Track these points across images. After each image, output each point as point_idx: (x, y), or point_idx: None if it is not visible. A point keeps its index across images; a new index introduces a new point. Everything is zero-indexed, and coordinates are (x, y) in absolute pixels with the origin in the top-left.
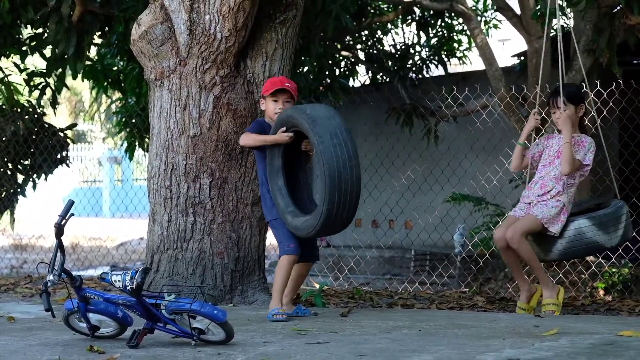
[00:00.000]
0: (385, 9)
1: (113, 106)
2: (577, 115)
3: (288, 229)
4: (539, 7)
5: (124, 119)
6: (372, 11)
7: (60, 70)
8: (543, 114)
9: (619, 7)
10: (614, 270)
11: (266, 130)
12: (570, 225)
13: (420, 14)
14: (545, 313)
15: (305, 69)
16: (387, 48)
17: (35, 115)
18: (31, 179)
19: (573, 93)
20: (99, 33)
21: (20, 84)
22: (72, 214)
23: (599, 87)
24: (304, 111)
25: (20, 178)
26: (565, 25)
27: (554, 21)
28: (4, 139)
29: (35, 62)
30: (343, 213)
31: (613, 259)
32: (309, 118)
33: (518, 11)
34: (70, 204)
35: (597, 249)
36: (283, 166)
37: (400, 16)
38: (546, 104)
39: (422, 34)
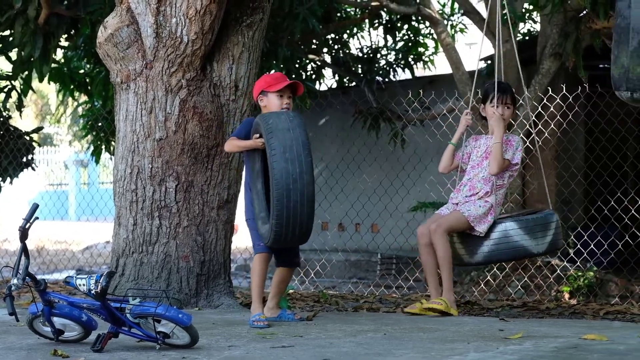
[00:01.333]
0: (352, 12)
1: (79, 109)
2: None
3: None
4: (505, 11)
5: (90, 122)
6: (339, 15)
7: (26, 73)
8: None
9: (584, 12)
10: (579, 274)
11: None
12: (497, 227)
13: (387, 18)
14: (432, 302)
15: (272, 72)
16: (354, 52)
17: (1, 119)
18: None
19: (514, 93)
20: (66, 36)
21: None
22: (37, 218)
23: (564, 91)
24: (266, 120)
25: None
26: (531, 29)
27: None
28: None
29: (1, 65)
30: (295, 230)
31: (578, 263)
32: (268, 128)
33: (485, 15)
34: (35, 207)
35: (523, 253)
36: (263, 170)
37: (367, 20)
38: (485, 98)
39: (389, 37)
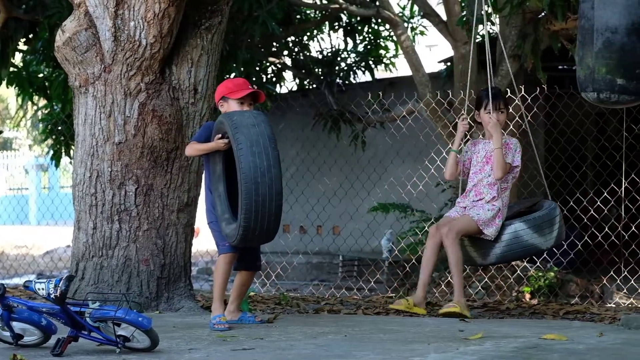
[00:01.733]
0: (312, 15)
1: (39, 113)
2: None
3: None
4: (464, 13)
5: (49, 126)
6: (298, 17)
7: None
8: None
9: (543, 14)
10: (539, 274)
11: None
12: (507, 229)
13: (347, 20)
14: (447, 305)
15: (232, 75)
16: (314, 54)
17: None
18: None
19: (506, 98)
20: (24, 39)
21: None
22: None
23: (523, 93)
24: (230, 117)
25: None
26: (491, 31)
27: (480, 27)
28: None
29: None
30: (263, 225)
31: (538, 263)
32: (233, 124)
33: (444, 17)
34: None
35: (534, 251)
36: (224, 172)
37: (327, 22)
38: (479, 104)
39: (349, 40)
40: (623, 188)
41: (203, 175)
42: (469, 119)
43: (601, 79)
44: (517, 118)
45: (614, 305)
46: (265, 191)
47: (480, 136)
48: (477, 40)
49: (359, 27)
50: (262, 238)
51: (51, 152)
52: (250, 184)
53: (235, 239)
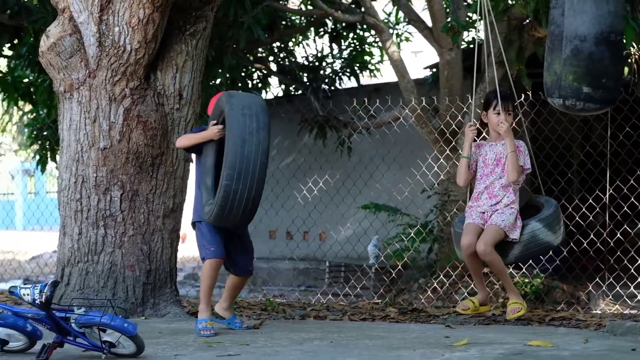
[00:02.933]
0: (298, 21)
1: (25, 118)
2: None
3: (210, 233)
4: (449, 19)
5: (35, 132)
6: (284, 23)
7: None
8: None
9: (527, 20)
10: (526, 280)
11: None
12: (525, 229)
13: (333, 26)
14: (512, 310)
15: (218, 81)
16: (299, 60)
17: None
18: None
19: (515, 99)
20: (9, 45)
21: None
22: None
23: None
24: (229, 92)
25: None
26: (476, 38)
27: (465, 33)
28: None
29: None
30: (245, 187)
31: (524, 270)
32: (228, 93)
33: (430, 24)
34: None
35: (549, 248)
36: (214, 167)
37: (312, 28)
38: (487, 105)
39: (334, 46)
40: (607, 195)
41: (192, 177)
42: (477, 125)
43: (568, 86)
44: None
45: (599, 312)
46: (252, 150)
47: (486, 137)
48: (462, 47)
49: (345, 33)
50: (241, 207)
51: (37, 157)
52: (237, 141)
53: (214, 207)
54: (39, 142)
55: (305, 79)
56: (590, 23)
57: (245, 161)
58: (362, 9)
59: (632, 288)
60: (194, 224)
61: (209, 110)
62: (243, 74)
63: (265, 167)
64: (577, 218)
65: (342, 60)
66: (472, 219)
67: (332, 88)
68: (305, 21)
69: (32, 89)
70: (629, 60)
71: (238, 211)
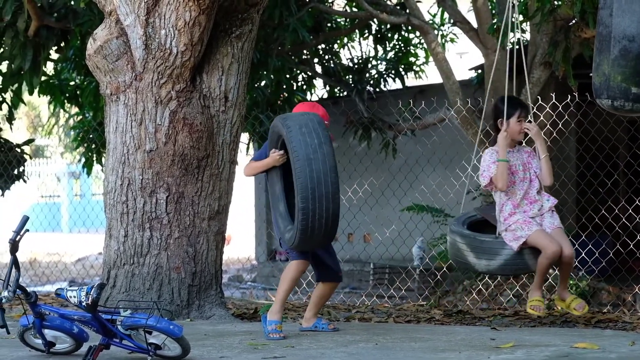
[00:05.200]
0: (343, 23)
1: (71, 121)
2: None
3: None
4: (495, 20)
5: (81, 134)
6: (329, 25)
7: (16, 85)
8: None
9: (574, 21)
10: (571, 282)
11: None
12: None
13: (377, 28)
14: (580, 306)
15: (263, 82)
16: (344, 62)
17: None
18: None
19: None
20: (56, 48)
21: None
22: (27, 230)
23: (554, 100)
24: (281, 115)
25: None
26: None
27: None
28: None
29: None
30: (321, 206)
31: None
32: (282, 117)
33: (475, 25)
34: (25, 219)
35: None
36: (283, 190)
37: (357, 30)
38: (508, 114)
39: (379, 47)
40: None
41: (237, 182)
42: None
43: (616, 87)
44: (547, 126)
45: None
46: (319, 167)
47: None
48: (508, 48)
49: (389, 35)
50: (322, 227)
51: (83, 159)
52: (303, 161)
53: (296, 231)
54: (85, 144)
55: (350, 81)
56: (638, 23)
57: (316, 180)
58: (407, 11)
59: None
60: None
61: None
62: (288, 76)
63: (336, 182)
64: (623, 219)
65: (387, 61)
66: (535, 226)
67: (377, 90)
68: (350, 23)
69: (78, 92)
70: None
71: (320, 231)
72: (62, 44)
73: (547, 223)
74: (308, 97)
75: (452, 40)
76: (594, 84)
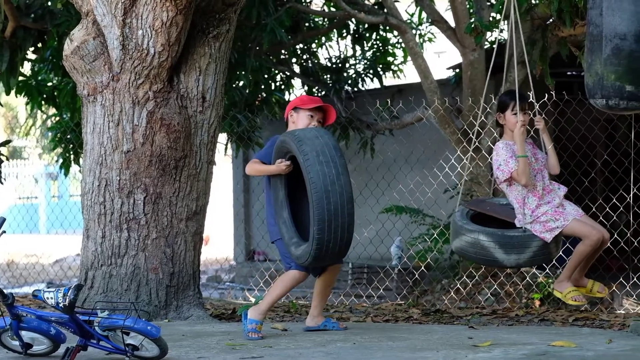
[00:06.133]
0: (320, 22)
1: (48, 122)
2: None
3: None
4: (472, 20)
5: (58, 135)
6: (307, 25)
7: None
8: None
9: (551, 20)
10: (549, 280)
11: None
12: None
13: (355, 28)
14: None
15: (241, 83)
16: (322, 62)
17: None
18: None
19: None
20: (33, 48)
21: None
22: (4, 231)
23: (532, 99)
24: (293, 133)
25: None
26: (499, 38)
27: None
28: None
29: None
30: (337, 236)
31: (547, 270)
32: (296, 138)
33: (453, 24)
34: (2, 221)
35: None
36: (287, 196)
37: (335, 30)
38: (504, 106)
39: (357, 47)
40: (631, 194)
41: (215, 182)
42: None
43: (610, 86)
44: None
45: (623, 312)
46: (337, 199)
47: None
48: (486, 47)
49: (367, 34)
50: (335, 252)
51: (60, 160)
52: (321, 193)
53: (309, 256)
54: (63, 145)
55: (328, 81)
56: (629, 21)
57: (333, 212)
58: (385, 10)
59: None
60: (273, 242)
61: (287, 111)
62: (266, 76)
63: (352, 212)
64: (600, 217)
65: (365, 61)
66: (569, 215)
67: (355, 89)
68: (328, 22)
69: (55, 93)
70: None
71: (333, 254)
72: (39, 45)
73: (572, 211)
74: (286, 97)
75: (429, 40)
76: (587, 84)
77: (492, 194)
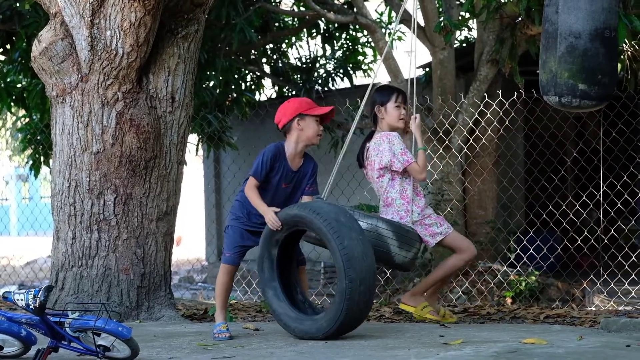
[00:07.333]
0: (290, 22)
1: (18, 123)
2: None
3: (231, 239)
4: (442, 19)
5: (28, 136)
6: (276, 25)
7: None
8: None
9: (519, 18)
10: (520, 278)
11: (281, 157)
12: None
13: (325, 27)
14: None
15: (211, 83)
16: (292, 61)
17: None
18: None
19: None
20: (1, 50)
21: None
22: None
23: (501, 97)
24: (314, 211)
25: None
26: (468, 36)
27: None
28: None
29: None
30: (363, 296)
31: (518, 268)
32: (331, 228)
33: (422, 23)
34: None
35: None
36: (278, 260)
37: (305, 29)
38: (385, 99)
39: (327, 46)
40: (601, 191)
41: (185, 182)
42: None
43: (563, 84)
44: (495, 123)
45: (594, 309)
46: (369, 269)
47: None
48: (455, 46)
49: (337, 34)
50: (363, 314)
51: (30, 162)
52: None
53: (334, 323)
54: (32, 146)
55: (298, 80)
56: (584, 20)
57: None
58: (355, 10)
59: (626, 284)
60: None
61: (287, 117)
62: (236, 76)
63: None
64: (570, 215)
65: (335, 61)
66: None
67: (326, 89)
68: (297, 22)
69: (24, 94)
70: (622, 57)
71: (363, 314)
72: (8, 46)
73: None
74: (256, 97)
75: (399, 39)
76: (541, 81)
77: (463, 192)
